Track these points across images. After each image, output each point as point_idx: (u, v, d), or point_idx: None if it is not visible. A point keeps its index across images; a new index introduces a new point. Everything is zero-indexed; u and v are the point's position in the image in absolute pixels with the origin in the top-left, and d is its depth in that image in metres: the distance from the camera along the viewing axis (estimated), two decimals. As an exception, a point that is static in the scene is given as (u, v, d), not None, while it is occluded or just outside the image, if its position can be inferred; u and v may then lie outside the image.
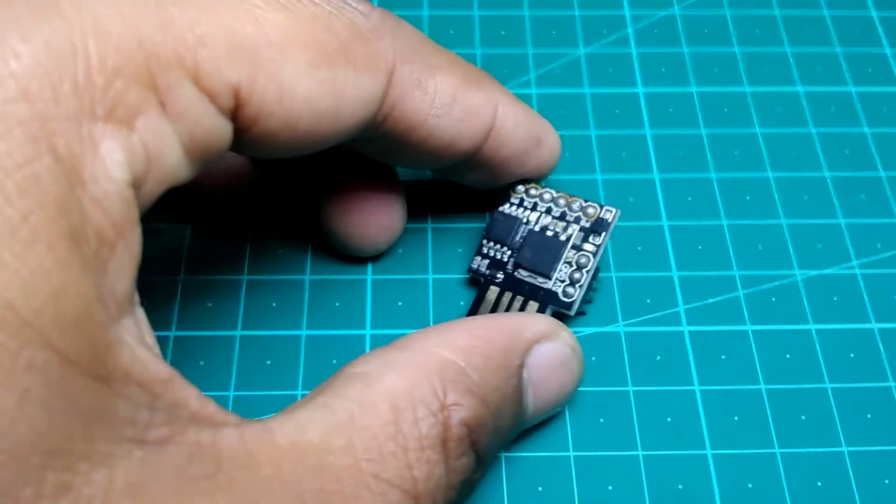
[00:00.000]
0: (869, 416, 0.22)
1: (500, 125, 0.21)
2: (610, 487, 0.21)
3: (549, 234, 0.22)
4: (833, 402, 0.22)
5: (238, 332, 0.23)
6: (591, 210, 0.22)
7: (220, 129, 0.16)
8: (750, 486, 0.21)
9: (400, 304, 0.23)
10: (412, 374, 0.16)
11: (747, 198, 0.25)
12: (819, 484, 0.21)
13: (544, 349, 0.19)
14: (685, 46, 0.28)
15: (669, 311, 0.23)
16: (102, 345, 0.13)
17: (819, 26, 0.29)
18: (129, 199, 0.14)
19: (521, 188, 0.23)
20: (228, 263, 0.24)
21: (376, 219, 0.23)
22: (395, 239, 0.23)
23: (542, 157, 0.22)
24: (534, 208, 0.23)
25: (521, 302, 0.22)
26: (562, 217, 0.22)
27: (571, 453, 0.21)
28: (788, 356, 0.23)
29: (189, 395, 0.14)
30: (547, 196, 0.23)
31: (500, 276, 0.22)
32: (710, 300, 0.23)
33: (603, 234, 0.22)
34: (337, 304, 0.23)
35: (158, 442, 0.13)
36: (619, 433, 0.21)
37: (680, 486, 0.21)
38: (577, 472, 0.21)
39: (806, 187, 0.26)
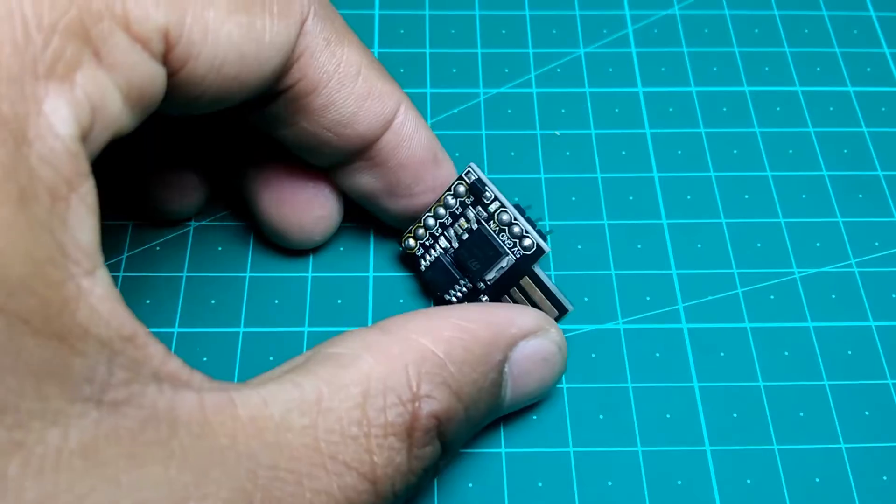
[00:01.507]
0: (867, 413, 0.22)
1: (402, 122, 0.21)
2: (609, 483, 0.21)
3: (465, 236, 0.22)
4: (831, 399, 0.22)
5: (241, 329, 0.23)
6: (460, 189, 0.22)
7: (154, 75, 0.16)
8: (748, 482, 0.21)
9: (401, 301, 0.23)
10: (389, 361, 0.16)
11: (746, 196, 0.25)
12: (817, 480, 0.21)
13: (530, 345, 0.19)
14: (685, 46, 0.29)
15: (669, 308, 0.23)
16: (57, 302, 0.13)
17: (818, 26, 0.29)
18: (78, 153, 0.14)
19: (410, 243, 0.23)
20: (232, 261, 0.24)
21: (311, 208, 0.23)
22: (331, 230, 0.23)
23: (440, 178, 0.22)
24: (436, 239, 0.22)
25: (514, 289, 0.22)
26: (454, 216, 0.22)
27: (571, 449, 0.21)
28: (787, 353, 0.23)
29: (152, 352, 0.14)
30: (430, 221, 0.22)
31: (484, 298, 0.22)
32: (709, 298, 0.24)
33: (485, 188, 0.22)
34: (339, 301, 0.23)
35: (115, 403, 0.13)
36: (619, 429, 0.22)
37: (679, 482, 0.21)
38: (576, 467, 0.21)
39: (804, 186, 0.26)
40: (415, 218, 0.23)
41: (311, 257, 0.24)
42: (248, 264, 0.24)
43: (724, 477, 0.21)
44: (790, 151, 0.26)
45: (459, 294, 0.22)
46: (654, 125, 0.27)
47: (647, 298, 0.23)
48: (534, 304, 0.21)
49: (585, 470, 0.21)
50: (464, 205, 0.22)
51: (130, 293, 0.23)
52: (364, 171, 0.22)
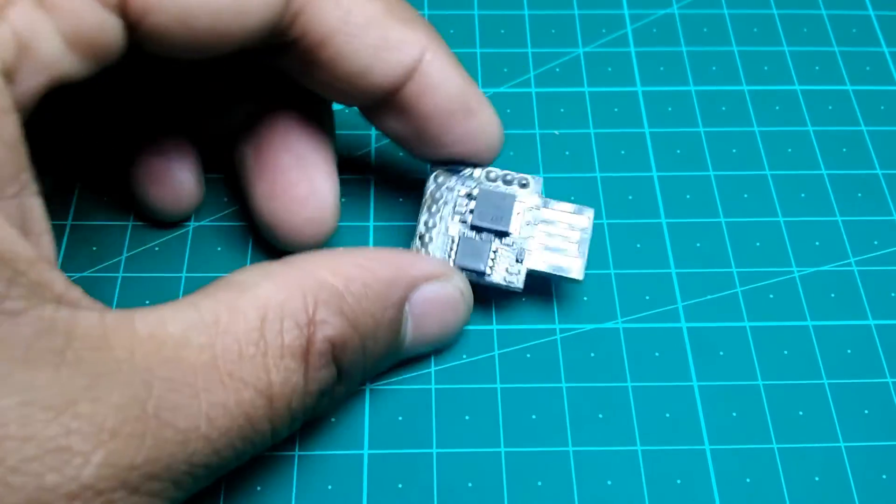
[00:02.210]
0: (866, 411, 0.22)
1: (426, 72, 0.20)
2: (609, 482, 0.21)
3: (471, 205, 0.22)
4: (830, 398, 0.22)
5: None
6: (438, 181, 0.22)
7: (106, 24, 0.16)
8: (748, 481, 0.21)
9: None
10: (288, 289, 0.17)
11: (745, 195, 0.25)
12: (816, 479, 0.21)
13: (431, 287, 0.20)
14: (683, 45, 0.29)
15: (668, 307, 0.23)
16: None
17: (817, 25, 0.29)
18: None
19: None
20: (231, 261, 0.24)
21: (304, 209, 0.22)
22: (324, 234, 0.22)
23: (472, 131, 0.21)
24: (439, 234, 0.22)
25: (542, 224, 0.22)
26: (444, 204, 0.22)
27: (571, 448, 0.21)
28: (786, 352, 0.23)
29: (55, 277, 0.15)
30: (422, 228, 0.22)
31: (515, 246, 0.22)
32: (709, 297, 0.24)
33: (459, 168, 0.22)
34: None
35: (12, 313, 0.14)
36: (618, 429, 0.21)
37: (678, 482, 0.21)
38: (576, 467, 0.21)
39: (803, 185, 0.26)
40: (448, 163, 0.22)
41: (310, 257, 0.24)
42: (248, 264, 0.24)
43: (723, 476, 0.21)
44: (789, 150, 0.26)
45: (493, 264, 0.22)
46: (653, 124, 0.27)
47: (647, 298, 0.23)
48: (564, 227, 0.21)
49: (585, 469, 0.21)
50: (449, 189, 0.22)
51: (130, 293, 0.23)
52: (390, 116, 0.21)
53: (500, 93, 0.27)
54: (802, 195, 0.25)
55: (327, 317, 0.17)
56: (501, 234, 0.22)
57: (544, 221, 0.22)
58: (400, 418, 0.21)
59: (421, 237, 0.22)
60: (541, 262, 0.21)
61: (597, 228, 0.25)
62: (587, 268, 0.23)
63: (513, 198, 0.22)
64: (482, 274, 0.21)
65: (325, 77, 0.20)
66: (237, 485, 0.21)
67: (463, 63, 0.28)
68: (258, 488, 0.21)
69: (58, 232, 0.24)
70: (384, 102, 0.21)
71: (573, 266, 0.21)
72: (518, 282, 0.21)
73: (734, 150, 0.26)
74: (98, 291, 0.23)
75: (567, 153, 0.26)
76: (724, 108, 0.27)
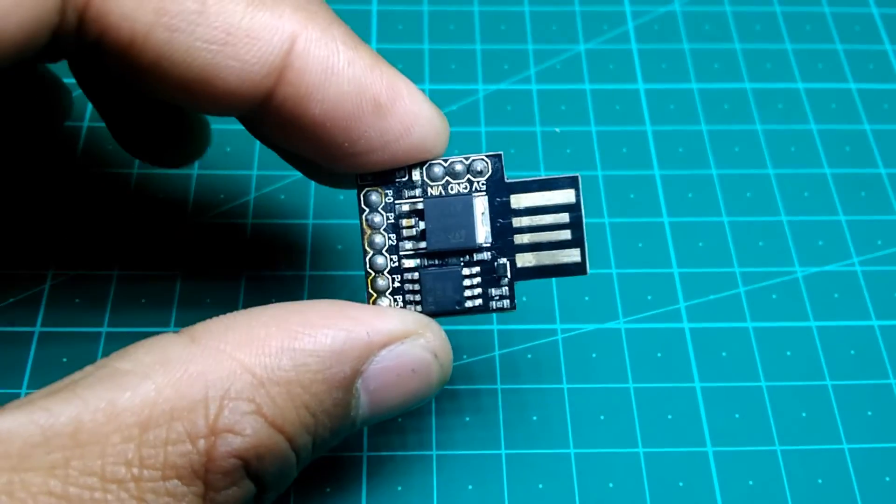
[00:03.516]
0: (869, 413, 0.22)
1: (300, 66, 0.15)
2: (611, 485, 0.21)
3: (420, 225, 0.17)
4: (834, 400, 0.22)
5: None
6: (372, 198, 0.17)
7: None
8: (751, 483, 0.21)
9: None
10: (184, 383, 0.13)
11: (748, 194, 0.25)
12: (820, 481, 0.21)
13: (392, 355, 0.15)
14: (685, 43, 0.28)
15: (670, 307, 0.23)
16: None
17: (819, 23, 0.29)
18: None
19: (384, 302, 0.18)
20: (228, 260, 0.24)
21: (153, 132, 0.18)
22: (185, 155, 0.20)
23: (389, 132, 0.16)
24: (399, 270, 0.18)
25: (514, 219, 0.18)
26: (393, 227, 0.18)
27: (572, 450, 0.21)
28: (789, 353, 0.23)
29: None
30: (379, 260, 0.18)
31: (504, 261, 0.18)
32: (711, 297, 0.23)
33: (392, 174, 0.17)
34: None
35: None
36: (620, 430, 0.21)
37: (681, 484, 0.21)
38: (577, 469, 0.21)
39: (807, 184, 0.25)
40: (379, 173, 0.17)
41: (308, 256, 0.24)
42: (246, 263, 0.24)
43: (726, 478, 0.21)
44: (792, 149, 0.26)
45: (473, 291, 0.18)
46: (655, 122, 0.27)
47: (649, 298, 0.23)
48: (546, 213, 0.17)
49: (586, 471, 0.21)
50: (389, 208, 0.18)
51: (126, 292, 0.23)
52: (274, 130, 0.16)
53: (500, 90, 0.27)
54: (805, 194, 0.25)
55: (236, 422, 0.13)
56: (469, 252, 0.18)
57: (518, 213, 0.17)
58: (399, 420, 0.21)
59: (372, 282, 0.18)
60: (530, 266, 0.18)
61: (598, 227, 0.24)
62: (589, 253, 0.18)
63: (467, 199, 0.17)
64: (462, 310, 0.18)
65: (156, 86, 0.15)
66: (234, 487, 0.20)
67: (462, 60, 0.28)
68: (256, 490, 0.20)
69: (50, 229, 0.24)
70: (259, 113, 0.16)
71: (571, 257, 0.18)
72: (508, 302, 0.18)
73: (737, 149, 0.26)
74: (93, 290, 0.23)
75: (568, 151, 0.26)
76: (726, 106, 0.27)
